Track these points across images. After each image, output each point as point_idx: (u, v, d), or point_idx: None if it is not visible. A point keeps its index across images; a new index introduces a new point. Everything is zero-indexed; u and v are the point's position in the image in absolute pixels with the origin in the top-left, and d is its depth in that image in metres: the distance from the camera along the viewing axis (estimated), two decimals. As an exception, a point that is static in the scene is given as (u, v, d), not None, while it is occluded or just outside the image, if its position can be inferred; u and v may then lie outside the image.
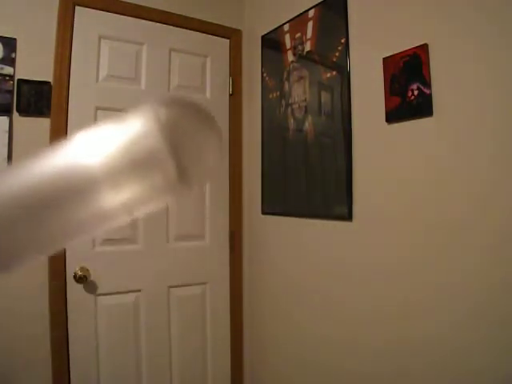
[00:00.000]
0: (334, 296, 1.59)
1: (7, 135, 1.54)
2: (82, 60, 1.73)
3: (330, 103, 1.63)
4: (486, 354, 1.09)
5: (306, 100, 1.75)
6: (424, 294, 1.26)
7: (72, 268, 1.67)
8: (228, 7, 2.16)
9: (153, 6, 1.90)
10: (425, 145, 1.27)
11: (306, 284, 1.73)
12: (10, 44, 1.56)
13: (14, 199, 0.16)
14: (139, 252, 1.85)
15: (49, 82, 1.64)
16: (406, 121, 1.33)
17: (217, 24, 2.09)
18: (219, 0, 2.14)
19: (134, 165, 0.16)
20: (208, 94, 2.07)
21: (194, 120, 0.18)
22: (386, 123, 1.39)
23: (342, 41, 1.56)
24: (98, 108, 1.76)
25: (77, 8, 1.72)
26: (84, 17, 1.74)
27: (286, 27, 1.87)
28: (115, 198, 0.17)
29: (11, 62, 1.56)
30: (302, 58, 1.78)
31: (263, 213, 2.00)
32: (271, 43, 1.99)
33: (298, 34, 1.80)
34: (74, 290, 1.68)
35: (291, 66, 1.84)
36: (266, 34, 2.01)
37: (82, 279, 1.67)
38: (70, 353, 1.67)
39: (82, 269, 1.68)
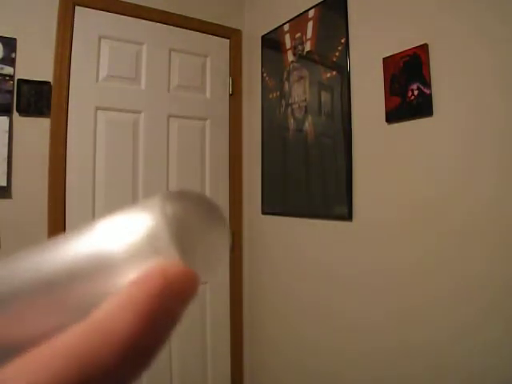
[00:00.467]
0: (334, 296, 1.59)
1: (7, 135, 1.54)
2: (82, 60, 1.73)
3: (329, 103, 1.63)
4: (487, 361, 1.09)
5: (306, 100, 1.75)
6: (424, 294, 1.26)
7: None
8: (228, 7, 2.16)
9: (153, 6, 1.90)
10: (425, 145, 1.27)
11: (306, 284, 1.73)
12: (10, 44, 1.56)
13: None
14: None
15: (49, 82, 1.64)
16: (405, 121, 1.33)
17: (217, 24, 2.09)
18: (219, 0, 2.14)
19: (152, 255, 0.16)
20: (208, 94, 2.07)
21: (201, 216, 0.18)
22: (386, 123, 1.39)
23: (342, 41, 1.56)
24: (97, 108, 1.77)
25: (77, 8, 1.73)
26: (84, 17, 1.74)
27: (286, 27, 1.87)
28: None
29: (11, 61, 1.56)
30: (302, 57, 1.78)
31: (263, 213, 2.00)
32: (271, 43, 1.99)
33: (298, 34, 1.80)
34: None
35: (291, 65, 1.84)
36: (266, 34, 2.01)
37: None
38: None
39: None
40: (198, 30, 2.03)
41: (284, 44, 1.88)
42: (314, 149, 1.71)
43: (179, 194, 0.18)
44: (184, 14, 1.99)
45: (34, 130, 1.62)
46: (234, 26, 2.15)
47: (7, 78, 1.55)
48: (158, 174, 1.91)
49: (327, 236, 1.63)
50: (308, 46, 1.75)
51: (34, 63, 1.62)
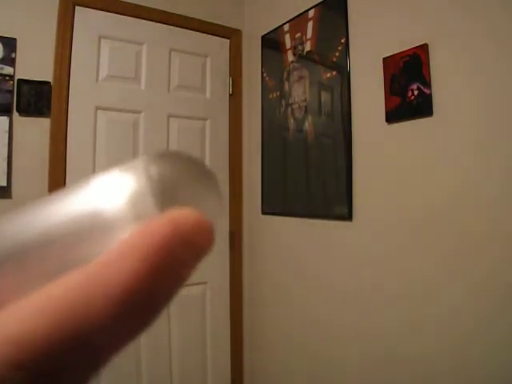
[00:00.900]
0: (334, 296, 1.59)
1: (7, 135, 1.54)
2: (82, 60, 1.73)
3: (329, 103, 1.63)
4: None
5: (306, 100, 1.75)
6: (424, 293, 1.26)
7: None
8: (228, 7, 2.16)
9: (153, 6, 1.90)
10: (425, 145, 1.27)
11: (306, 284, 1.73)
12: (10, 44, 1.56)
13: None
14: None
15: (49, 82, 1.64)
16: (405, 121, 1.33)
17: (217, 24, 2.09)
18: (219, 0, 2.14)
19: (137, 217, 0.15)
20: (208, 94, 2.07)
21: (190, 177, 0.16)
22: (386, 123, 1.39)
23: (342, 41, 1.56)
24: (97, 108, 1.76)
25: (77, 8, 1.72)
26: (84, 17, 1.74)
27: (286, 27, 1.87)
28: None
29: (11, 61, 1.56)
30: (302, 57, 1.78)
31: (263, 213, 2.00)
32: (271, 43, 1.99)
33: (298, 34, 1.80)
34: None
35: (291, 65, 1.84)
36: (266, 34, 2.01)
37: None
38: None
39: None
40: (198, 30, 2.03)
41: (284, 44, 1.88)
42: (314, 149, 1.71)
43: (165, 154, 0.16)
44: (184, 14, 1.99)
45: (34, 130, 1.62)
46: (234, 26, 2.15)
47: (7, 78, 1.55)
48: (158, 174, 1.90)
49: (327, 236, 1.63)
50: (308, 46, 1.74)
51: (33, 63, 1.62)
